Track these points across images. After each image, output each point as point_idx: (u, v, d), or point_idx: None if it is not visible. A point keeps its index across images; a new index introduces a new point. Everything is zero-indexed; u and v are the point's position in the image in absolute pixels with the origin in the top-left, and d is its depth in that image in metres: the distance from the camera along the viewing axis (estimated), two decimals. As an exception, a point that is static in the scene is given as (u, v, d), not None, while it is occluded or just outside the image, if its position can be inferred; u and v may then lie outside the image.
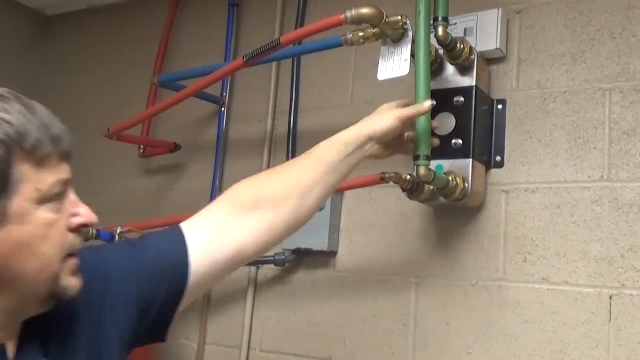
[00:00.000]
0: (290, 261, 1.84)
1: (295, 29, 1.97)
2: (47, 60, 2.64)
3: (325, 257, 1.81)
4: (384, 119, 1.26)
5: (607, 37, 1.52)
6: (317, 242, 1.77)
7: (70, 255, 0.85)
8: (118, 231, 1.73)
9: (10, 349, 0.84)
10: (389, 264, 1.72)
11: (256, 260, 1.90)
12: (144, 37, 2.39)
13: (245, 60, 1.57)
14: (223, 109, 2.10)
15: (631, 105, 1.47)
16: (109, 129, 1.92)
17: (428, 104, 1.33)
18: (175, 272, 1.00)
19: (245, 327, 1.90)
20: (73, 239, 0.85)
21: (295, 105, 1.97)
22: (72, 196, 0.86)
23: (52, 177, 0.81)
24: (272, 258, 1.84)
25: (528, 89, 1.61)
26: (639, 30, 1.49)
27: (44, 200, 0.80)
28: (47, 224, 0.81)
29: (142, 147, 2.18)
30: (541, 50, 1.60)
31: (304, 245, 1.79)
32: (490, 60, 1.64)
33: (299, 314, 1.84)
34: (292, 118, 1.96)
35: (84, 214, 0.86)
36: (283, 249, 1.83)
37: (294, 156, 1.93)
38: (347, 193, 1.81)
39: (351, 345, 1.73)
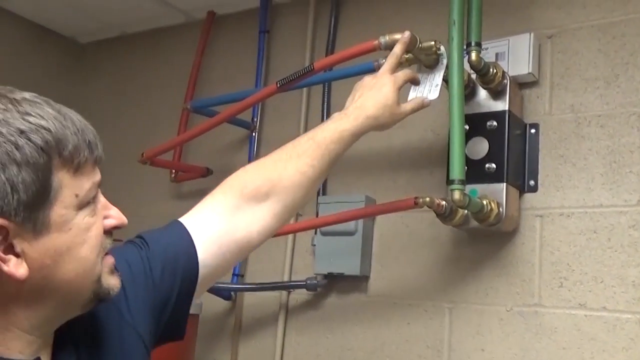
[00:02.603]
0: (321, 286, 1.84)
1: (326, 55, 1.99)
2: (80, 86, 2.68)
3: (357, 282, 1.81)
4: (388, 123, 1.25)
5: (641, 60, 1.52)
6: (349, 266, 1.77)
7: (105, 254, 0.85)
8: (151, 255, 1.74)
9: (45, 359, 0.83)
10: (421, 288, 1.71)
11: (288, 285, 1.90)
12: (174, 63, 2.42)
13: (278, 85, 1.59)
14: (254, 133, 2.12)
15: (667, 129, 1.46)
16: (142, 153, 1.94)
17: (427, 100, 1.34)
18: (186, 267, 0.99)
19: (276, 352, 1.90)
20: (106, 240, 0.85)
21: (325, 130, 1.97)
22: (102, 198, 0.85)
23: (88, 182, 0.81)
24: (304, 283, 1.84)
25: (561, 112, 1.60)
26: (674, 53, 1.49)
27: (81, 205, 0.80)
28: (86, 228, 0.81)
29: (174, 171, 2.20)
30: (574, 74, 1.60)
31: (335, 270, 1.79)
32: (522, 84, 1.64)
33: (331, 339, 1.83)
34: (323, 143, 1.96)
35: (116, 215, 0.86)
36: (315, 274, 1.83)
37: (325, 181, 1.93)
38: (379, 218, 1.81)
39: (384, 371, 1.72)
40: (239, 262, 1.07)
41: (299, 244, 1.95)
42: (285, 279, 1.93)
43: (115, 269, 0.87)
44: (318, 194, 1.92)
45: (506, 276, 1.59)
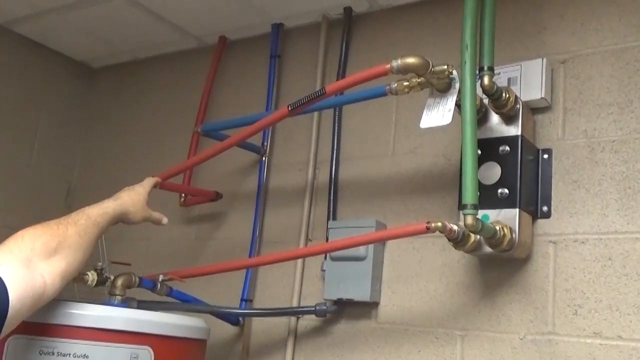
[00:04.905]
0: (331, 312, 1.81)
1: (337, 79, 1.99)
2: (92, 110, 2.70)
3: (367, 308, 1.78)
4: (136, 214, 1.59)
5: (655, 86, 1.51)
6: (359, 292, 1.75)
7: None
8: (160, 279, 1.72)
9: None
10: (432, 315, 1.68)
11: (296, 311, 1.88)
12: (186, 88, 2.43)
13: (289, 109, 1.58)
14: (264, 158, 2.11)
15: (683, 155, 1.44)
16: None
17: (165, 220, 1.72)
18: None
19: (284, 379, 1.87)
20: None
21: (336, 154, 1.97)
22: None
23: None
24: (313, 308, 1.82)
25: (574, 138, 1.59)
26: (689, 79, 1.47)
27: None
28: None
29: (183, 195, 2.19)
30: (587, 100, 1.59)
31: (345, 295, 1.76)
32: (534, 109, 1.63)
33: (340, 366, 1.80)
34: (334, 167, 1.95)
35: None
36: (324, 299, 1.81)
37: (335, 206, 1.92)
38: (389, 243, 1.79)
39: (394, 399, 1.69)
40: (34, 311, 1.18)
41: (309, 269, 1.93)
42: (294, 304, 1.90)
43: None
44: (328, 219, 1.90)
45: (519, 303, 1.57)
